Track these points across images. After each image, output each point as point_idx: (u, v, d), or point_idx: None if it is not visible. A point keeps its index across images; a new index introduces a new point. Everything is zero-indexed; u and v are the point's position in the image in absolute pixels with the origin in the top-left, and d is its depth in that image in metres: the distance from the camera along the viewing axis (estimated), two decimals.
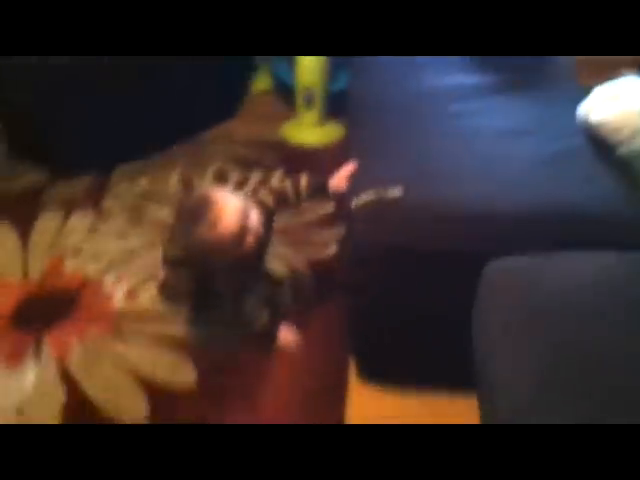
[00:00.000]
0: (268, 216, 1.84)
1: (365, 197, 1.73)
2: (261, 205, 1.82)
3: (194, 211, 1.70)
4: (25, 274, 2.28)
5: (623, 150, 1.85)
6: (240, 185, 2.67)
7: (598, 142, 1.90)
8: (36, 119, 2.60)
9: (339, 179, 1.89)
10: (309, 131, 2.94)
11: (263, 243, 1.87)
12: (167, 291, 2.13)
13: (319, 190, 1.91)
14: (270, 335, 1.99)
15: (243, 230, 1.70)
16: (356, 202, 1.73)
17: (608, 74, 2.03)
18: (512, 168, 1.80)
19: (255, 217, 1.75)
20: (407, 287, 1.73)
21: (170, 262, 2.01)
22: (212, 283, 1.87)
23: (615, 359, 1.21)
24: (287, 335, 2.00)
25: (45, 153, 2.71)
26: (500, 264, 1.45)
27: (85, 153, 2.70)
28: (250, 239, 1.73)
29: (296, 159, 2.80)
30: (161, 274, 2.14)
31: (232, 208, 1.69)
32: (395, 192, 1.70)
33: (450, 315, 1.65)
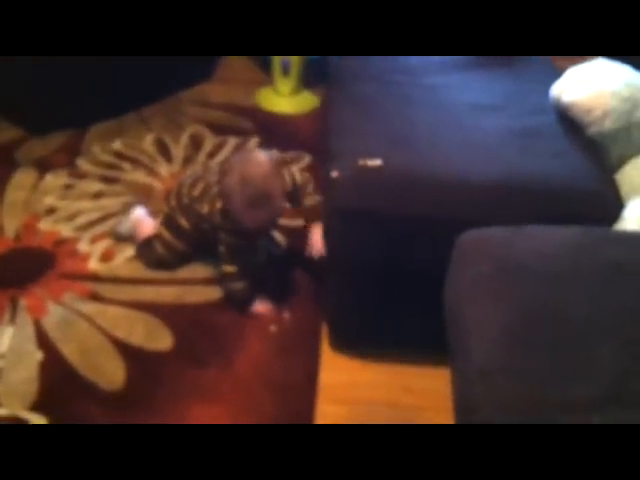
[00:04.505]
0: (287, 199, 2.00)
1: (346, 166, 1.77)
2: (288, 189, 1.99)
3: (234, 166, 1.88)
4: (0, 232, 2.28)
5: (593, 130, 1.90)
6: (215, 150, 2.69)
7: (569, 121, 1.96)
8: (9, 76, 2.58)
9: (317, 244, 2.01)
10: (284, 99, 2.96)
11: (273, 222, 2.06)
12: (154, 252, 2.15)
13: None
14: (246, 302, 2.05)
15: (265, 201, 1.85)
16: (337, 170, 1.77)
17: (581, 57, 2.09)
18: (486, 140, 1.87)
19: (279, 201, 1.91)
20: (383, 253, 1.79)
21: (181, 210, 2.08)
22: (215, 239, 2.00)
23: (574, 315, 1.28)
24: (262, 304, 2.06)
25: (19, 110, 2.70)
26: (473, 233, 1.51)
27: (59, 110, 2.69)
28: (265, 214, 1.90)
29: (271, 127, 2.84)
30: (145, 234, 2.18)
31: (266, 176, 1.86)
32: (375, 162, 1.74)
33: (423, 282, 1.70)
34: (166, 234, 2.12)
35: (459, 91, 2.08)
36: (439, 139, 1.87)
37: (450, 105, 2.01)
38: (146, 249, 2.16)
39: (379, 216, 1.74)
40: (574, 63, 2.06)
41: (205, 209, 1.99)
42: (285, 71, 2.91)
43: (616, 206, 1.73)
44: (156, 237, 2.14)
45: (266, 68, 3.02)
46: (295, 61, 2.87)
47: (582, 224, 1.55)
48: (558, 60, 2.25)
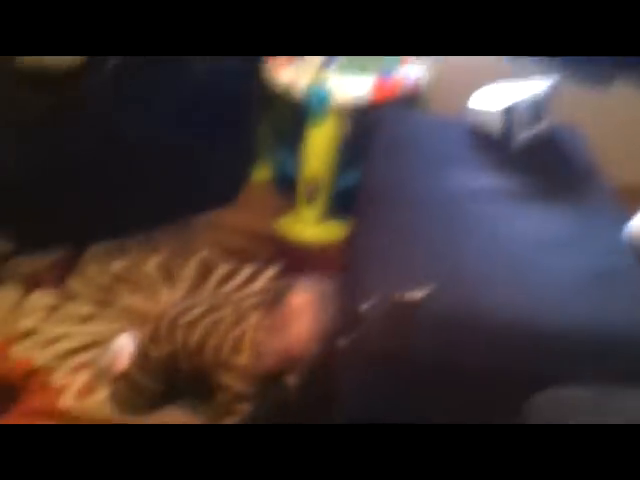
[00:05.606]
0: None
1: (377, 300, 1.45)
2: None
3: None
4: None
5: None
6: (226, 279, 2.38)
7: None
8: (3, 185, 2.31)
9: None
10: (309, 227, 2.68)
11: None
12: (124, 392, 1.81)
13: None
14: None
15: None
16: (368, 305, 1.45)
17: None
18: (553, 283, 1.56)
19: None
20: (415, 401, 1.51)
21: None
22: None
23: None
24: None
25: (8, 222, 2.41)
26: (549, 395, 1.17)
27: (55, 227, 2.39)
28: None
29: (292, 257, 2.53)
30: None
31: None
32: (414, 295, 1.42)
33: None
34: (135, 372, 1.78)
35: (513, 223, 1.78)
36: (494, 276, 1.56)
37: (504, 238, 1.71)
38: (119, 388, 1.82)
39: (415, 359, 1.46)
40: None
41: (210, 349, 1.71)
42: (311, 197, 2.64)
43: None
44: (124, 375, 1.81)
45: (290, 194, 2.76)
46: (322, 186, 2.62)
47: None
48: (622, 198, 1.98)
